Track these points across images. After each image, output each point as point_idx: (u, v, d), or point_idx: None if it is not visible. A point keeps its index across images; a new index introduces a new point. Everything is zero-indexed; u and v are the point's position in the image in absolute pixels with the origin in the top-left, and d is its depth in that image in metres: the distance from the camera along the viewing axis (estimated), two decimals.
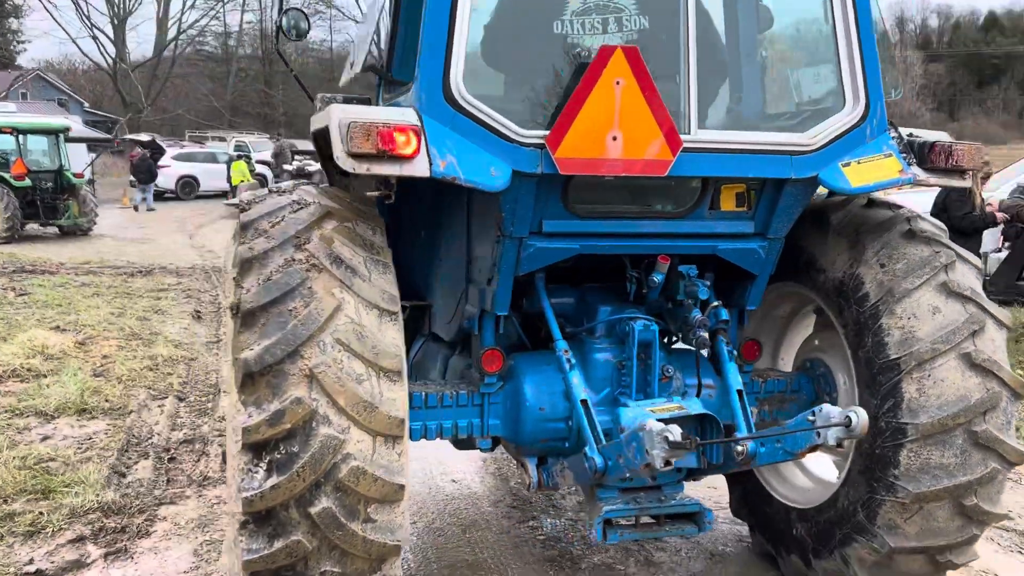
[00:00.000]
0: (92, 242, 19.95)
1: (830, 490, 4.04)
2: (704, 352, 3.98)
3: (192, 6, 60.13)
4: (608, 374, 3.83)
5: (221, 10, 60.93)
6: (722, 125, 3.71)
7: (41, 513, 4.83)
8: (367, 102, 4.45)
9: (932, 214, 7.12)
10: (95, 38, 54.76)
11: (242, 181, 30.47)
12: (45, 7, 53.17)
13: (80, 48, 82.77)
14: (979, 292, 3.70)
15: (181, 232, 22.85)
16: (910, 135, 3.77)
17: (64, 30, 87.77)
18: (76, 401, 6.88)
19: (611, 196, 3.65)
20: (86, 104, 55.91)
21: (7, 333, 9.14)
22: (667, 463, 3.03)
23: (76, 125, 30.22)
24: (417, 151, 3.11)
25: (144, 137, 34.43)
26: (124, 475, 5.53)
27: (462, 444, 4.20)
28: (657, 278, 3.74)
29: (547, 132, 3.25)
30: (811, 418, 3.25)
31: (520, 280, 3.67)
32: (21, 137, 20.46)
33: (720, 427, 3.58)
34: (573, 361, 3.72)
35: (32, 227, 20.76)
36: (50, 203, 20.55)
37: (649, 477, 3.59)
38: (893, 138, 3.73)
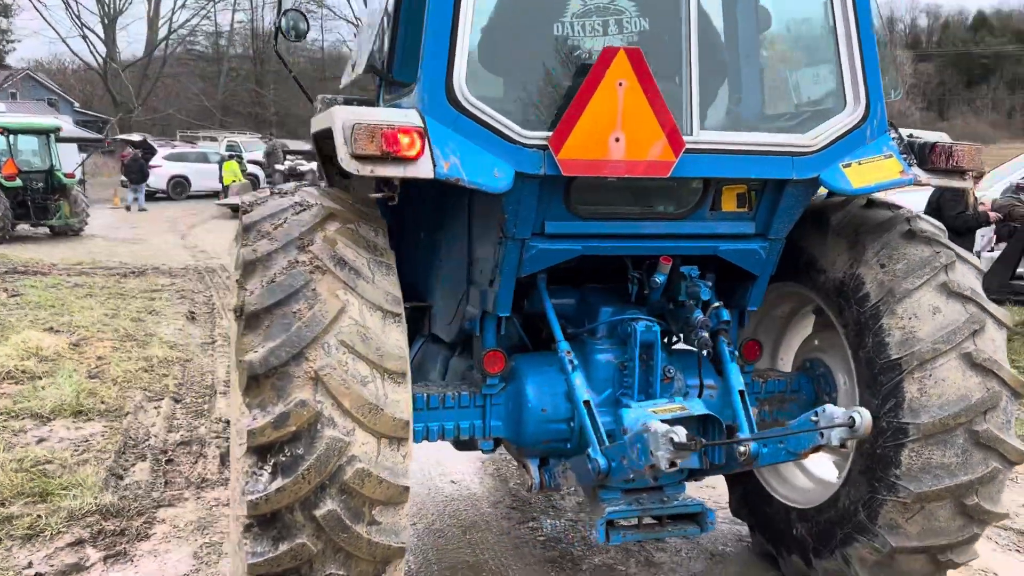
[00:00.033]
0: (83, 242, 19.87)
1: (830, 490, 4.05)
2: (705, 353, 3.98)
3: (183, 5, 59.91)
4: (610, 375, 3.83)
5: (212, 9, 60.80)
6: (723, 126, 3.72)
7: (39, 516, 4.81)
8: (368, 103, 4.45)
9: (926, 213, 7.15)
10: (85, 37, 54.65)
11: (234, 181, 30.41)
12: (35, 6, 53.07)
13: (70, 48, 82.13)
14: (979, 292, 3.72)
15: (173, 232, 22.78)
16: (910, 136, 3.78)
17: (54, 29, 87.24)
18: (72, 403, 6.85)
19: (613, 197, 3.65)
20: (76, 104, 55.72)
21: (0, 335, 9.09)
22: (672, 464, 3.03)
23: (67, 125, 30.14)
24: (421, 153, 3.11)
25: (135, 137, 34.30)
26: (122, 477, 5.51)
27: (463, 445, 4.20)
28: (659, 279, 3.74)
29: (550, 133, 3.25)
30: (814, 418, 3.26)
31: (522, 281, 3.67)
32: (11, 137, 20.36)
33: (722, 428, 3.59)
34: (575, 362, 3.72)
35: (23, 227, 20.67)
36: (41, 203, 20.46)
37: (651, 478, 3.59)
38: (893, 139, 3.74)
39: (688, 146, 3.37)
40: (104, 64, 54.50)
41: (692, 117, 3.47)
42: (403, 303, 3.29)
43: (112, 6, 54.85)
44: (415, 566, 4.43)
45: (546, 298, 3.84)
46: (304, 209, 3.33)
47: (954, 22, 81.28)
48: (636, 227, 3.66)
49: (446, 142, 3.19)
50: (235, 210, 27.81)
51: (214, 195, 32.16)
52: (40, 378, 7.61)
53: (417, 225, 4.43)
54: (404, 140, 3.07)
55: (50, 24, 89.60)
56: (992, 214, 9.28)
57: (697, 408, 3.62)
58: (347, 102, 4.33)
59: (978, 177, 9.26)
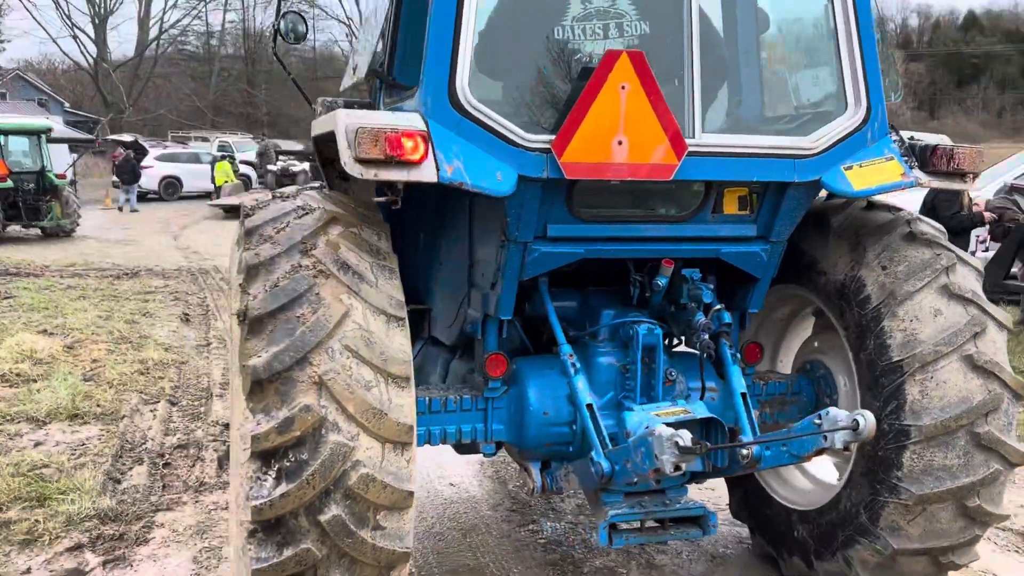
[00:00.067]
0: (75, 244, 19.80)
1: (831, 492, 4.06)
2: (706, 355, 3.98)
3: (174, 5, 59.58)
4: (612, 378, 3.83)
5: (203, 9, 60.67)
6: (725, 129, 3.73)
7: (37, 521, 4.78)
8: (368, 106, 4.44)
9: (921, 214, 7.19)
10: (76, 37, 54.40)
11: (226, 182, 30.36)
12: (25, 6, 52.62)
13: (61, 48, 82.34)
14: (980, 294, 3.73)
15: (165, 233, 22.70)
16: (911, 138, 3.79)
17: (44, 29, 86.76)
18: (67, 406, 6.82)
19: (615, 200, 3.65)
20: (66, 104, 55.51)
21: None
22: (677, 468, 3.03)
23: (57, 125, 30.02)
24: (424, 156, 3.10)
25: (126, 137, 34.23)
26: (119, 481, 5.49)
27: (464, 449, 4.19)
28: (661, 282, 3.74)
29: (553, 137, 3.25)
30: (817, 421, 3.25)
31: (523, 284, 3.67)
32: (2, 138, 20.26)
33: (725, 430, 3.59)
34: (578, 365, 3.71)
35: (14, 229, 20.59)
36: (32, 204, 20.37)
37: (654, 481, 3.59)
38: (894, 141, 3.75)
39: (690, 149, 3.37)
40: (95, 64, 54.31)
41: (694, 120, 3.47)
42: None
43: (102, 6, 54.69)
44: (416, 570, 4.42)
45: (548, 301, 3.83)
46: (306, 213, 3.32)
47: (945, 22, 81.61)
48: (638, 230, 3.66)
49: (449, 146, 3.18)
50: (227, 211, 27.79)
51: (206, 196, 32.10)
52: (35, 381, 7.58)
53: (417, 228, 4.43)
54: (408, 144, 3.06)
55: (40, 24, 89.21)
56: (987, 214, 9.33)
57: (700, 411, 3.62)
58: (347, 105, 4.32)
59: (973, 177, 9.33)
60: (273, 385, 2.93)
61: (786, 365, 4.72)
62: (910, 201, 7.96)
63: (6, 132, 20.53)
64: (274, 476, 2.92)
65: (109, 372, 7.98)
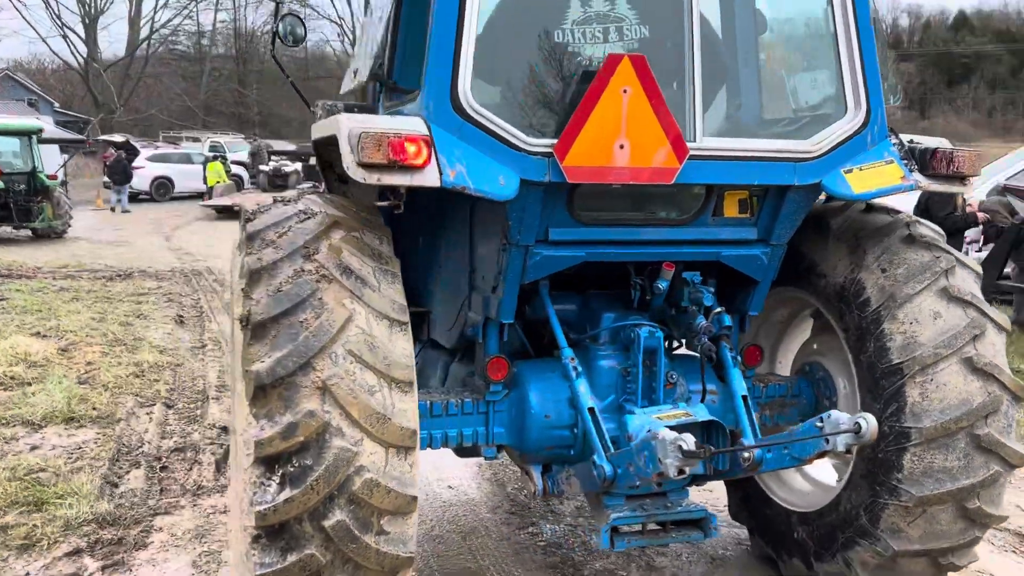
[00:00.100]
0: (67, 245, 19.70)
1: (830, 493, 4.08)
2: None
3: (165, 5, 59.47)
4: (613, 381, 3.84)
5: (194, 9, 60.47)
6: (726, 132, 3.73)
7: (35, 526, 4.76)
8: (368, 110, 4.43)
9: (915, 214, 7.22)
10: (66, 37, 54.20)
11: (218, 182, 30.27)
12: (14, 6, 52.10)
13: (51, 47, 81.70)
14: (979, 296, 3.75)
15: (157, 234, 22.61)
16: (911, 141, 3.81)
17: (34, 29, 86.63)
18: (63, 409, 6.79)
19: (616, 204, 3.66)
20: (56, 104, 55.17)
21: None
22: (681, 472, 3.03)
23: (48, 126, 29.83)
24: (427, 161, 3.10)
25: (118, 138, 34.11)
26: (117, 485, 5.47)
27: (464, 452, 4.19)
28: (662, 285, 3.75)
29: (555, 141, 3.25)
30: (819, 424, 3.27)
31: (524, 287, 3.67)
32: None
33: (726, 433, 3.59)
34: (579, 369, 3.71)
35: (5, 230, 20.46)
36: (23, 205, 20.23)
37: (655, 484, 3.60)
38: (894, 144, 3.76)
39: (692, 152, 3.37)
40: (85, 64, 54.11)
41: (695, 123, 3.48)
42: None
43: (93, 5, 54.56)
44: (417, 573, 4.42)
45: (549, 304, 3.83)
46: (308, 217, 3.31)
47: (935, 22, 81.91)
48: (639, 233, 3.66)
49: (452, 150, 3.18)
50: (219, 211, 27.72)
51: (198, 196, 31.98)
52: (30, 384, 7.54)
53: (415, 230, 4.42)
54: (411, 148, 3.06)
55: (30, 24, 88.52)
56: (980, 215, 9.37)
57: (701, 414, 3.63)
58: (347, 108, 4.31)
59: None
60: (277, 390, 2.93)
61: (784, 367, 4.74)
62: (903, 201, 7.98)
63: None
64: (278, 481, 2.91)
65: (104, 375, 7.95)
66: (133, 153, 31.12)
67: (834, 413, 3.24)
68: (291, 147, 40.83)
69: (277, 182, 32.97)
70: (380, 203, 3.34)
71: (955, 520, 3.65)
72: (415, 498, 3.07)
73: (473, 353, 4.12)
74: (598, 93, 3.22)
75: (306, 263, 3.13)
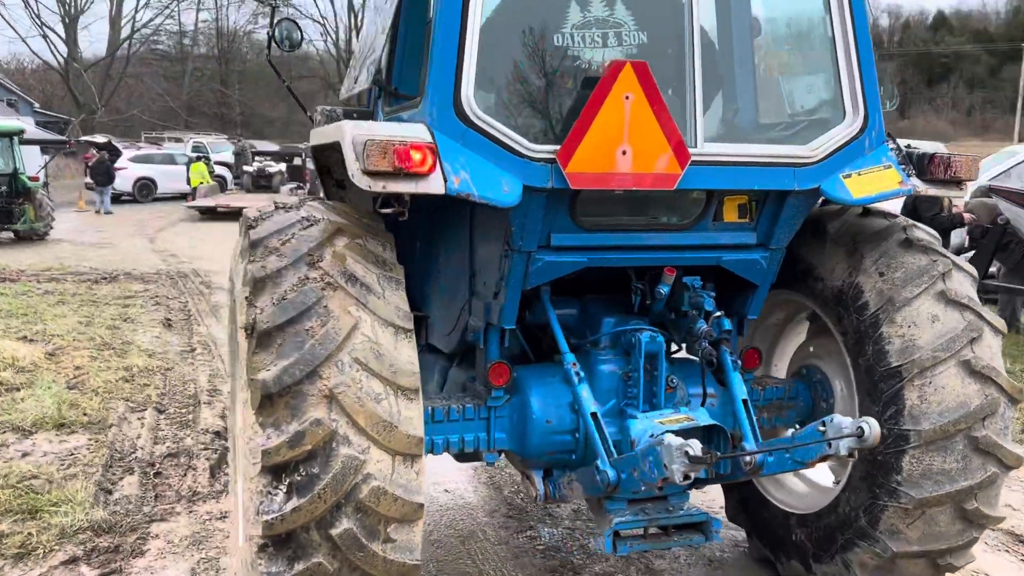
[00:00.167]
0: (50, 247, 19.51)
1: (828, 495, 4.11)
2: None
3: (146, 4, 59.09)
4: (614, 385, 3.85)
5: (176, 9, 60.11)
6: (726, 138, 3.76)
7: (30, 534, 4.72)
8: (366, 115, 4.42)
9: (902, 215, 7.29)
10: (46, 37, 53.70)
11: (201, 183, 30.11)
12: None
13: (30, 47, 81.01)
14: (975, 300, 3.79)
15: (141, 236, 22.44)
16: (908, 146, 3.85)
17: (13, 28, 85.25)
18: (53, 415, 6.73)
19: (617, 209, 3.67)
20: (36, 104, 54.69)
21: None
22: (686, 478, 3.05)
23: (29, 127, 29.54)
24: (432, 168, 3.09)
25: (100, 139, 33.82)
26: (111, 492, 5.43)
27: (464, 457, 4.19)
28: (663, 290, 3.77)
29: (557, 147, 3.26)
30: (822, 428, 3.29)
31: (525, 293, 3.67)
32: None
33: (727, 437, 3.61)
34: (581, 374, 3.72)
35: None
36: (5, 208, 20.05)
37: (657, 488, 3.61)
38: (891, 149, 3.79)
39: (693, 158, 3.39)
40: (65, 64, 53.62)
41: (695, 129, 3.49)
42: None
43: (73, 5, 54.09)
44: None
45: (550, 310, 3.84)
46: (311, 224, 3.30)
47: (914, 22, 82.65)
48: (640, 239, 3.68)
49: (455, 157, 3.18)
50: (203, 212, 27.57)
51: (181, 197, 31.79)
52: (18, 389, 7.47)
53: (414, 235, 4.41)
54: (416, 156, 3.05)
55: (9, 23, 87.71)
56: (967, 215, 9.45)
57: (703, 418, 3.65)
58: (347, 115, 4.30)
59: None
60: (283, 399, 2.92)
61: (780, 370, 4.77)
62: (891, 202, 8.05)
63: None
64: (285, 490, 2.91)
65: (93, 380, 7.88)
66: (115, 154, 30.85)
67: (836, 417, 3.26)
68: (274, 147, 40.72)
69: (261, 183, 32.89)
70: (384, 211, 3.33)
71: (953, 521, 3.69)
72: (422, 505, 3.07)
73: (472, 358, 4.12)
74: (601, 99, 3.22)
75: (311, 271, 3.12)
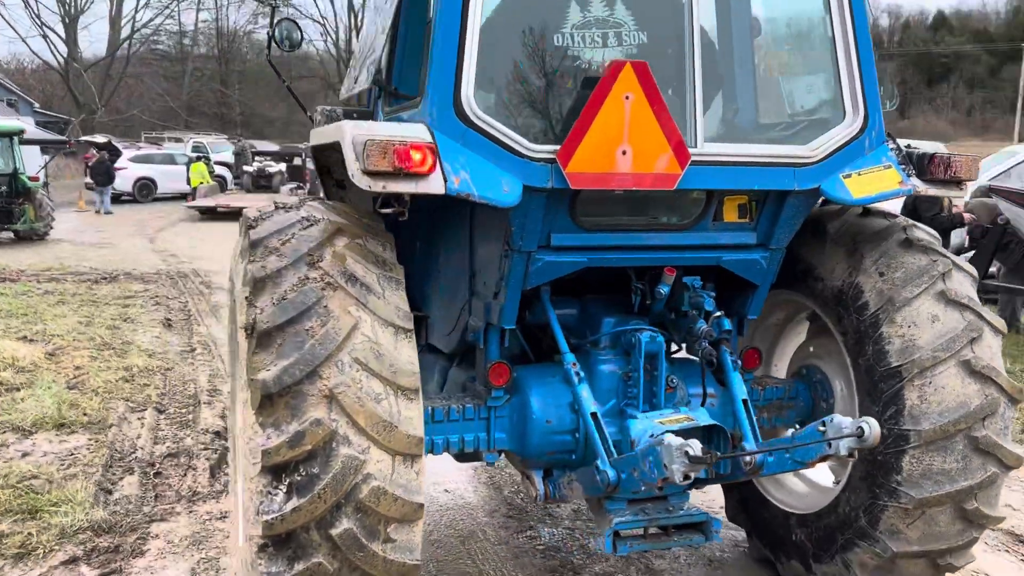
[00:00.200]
0: (50, 247, 19.51)
1: (828, 495, 4.11)
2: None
3: (146, 5, 59.09)
4: (614, 385, 3.85)
5: (176, 9, 60.13)
6: (726, 138, 3.76)
7: (30, 534, 4.72)
8: (366, 116, 4.42)
9: (902, 215, 7.29)
10: (46, 37, 53.70)
11: (201, 183, 30.11)
12: None
13: (30, 47, 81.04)
14: (975, 300, 3.78)
15: (141, 236, 22.44)
16: (908, 146, 3.85)
17: (13, 28, 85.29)
18: (53, 415, 6.73)
19: (617, 209, 3.67)
20: (36, 104, 54.69)
21: None
22: (687, 478, 3.05)
23: (29, 127, 29.54)
24: (432, 168, 3.09)
25: (100, 139, 33.82)
26: (111, 492, 5.43)
27: (464, 456, 4.19)
28: (663, 290, 3.77)
29: (557, 147, 3.26)
30: (822, 428, 3.29)
31: (525, 293, 3.67)
32: None
33: (727, 437, 3.61)
34: (581, 374, 3.72)
35: None
36: (5, 208, 20.06)
37: (657, 488, 3.61)
38: (891, 149, 3.79)
39: (693, 158, 3.39)
40: (65, 64, 53.62)
41: (695, 129, 3.49)
42: None
43: (73, 5, 54.09)
44: None
45: (550, 310, 3.84)
46: (311, 224, 3.30)
47: (914, 22, 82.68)
48: (640, 239, 3.68)
49: (455, 157, 3.18)
50: (203, 212, 27.58)
51: (181, 197, 31.79)
52: (18, 389, 7.47)
53: (413, 235, 4.42)
54: (416, 156, 3.05)
55: (8, 23, 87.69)
56: (966, 215, 9.45)
57: (703, 418, 3.65)
58: (347, 115, 4.30)
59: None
60: (283, 399, 2.92)
61: (780, 370, 4.77)
62: (891, 202, 8.05)
63: None
64: (285, 490, 2.91)
65: (93, 380, 7.88)
66: (115, 154, 30.85)
67: (836, 417, 3.26)
68: (274, 147, 40.74)
69: (261, 183, 32.90)
70: (384, 211, 3.33)
71: (953, 521, 3.69)
72: (422, 505, 3.07)
73: (471, 358, 4.13)
74: (601, 99, 3.22)
75: (311, 271, 3.12)
